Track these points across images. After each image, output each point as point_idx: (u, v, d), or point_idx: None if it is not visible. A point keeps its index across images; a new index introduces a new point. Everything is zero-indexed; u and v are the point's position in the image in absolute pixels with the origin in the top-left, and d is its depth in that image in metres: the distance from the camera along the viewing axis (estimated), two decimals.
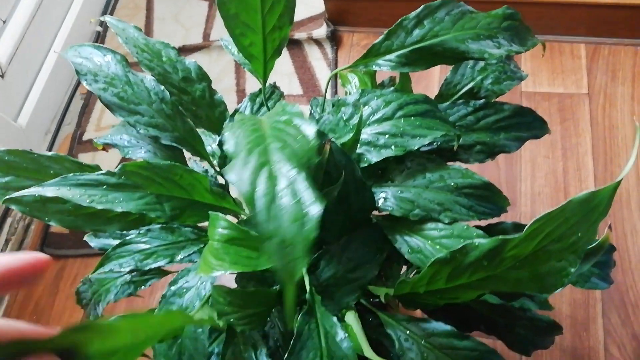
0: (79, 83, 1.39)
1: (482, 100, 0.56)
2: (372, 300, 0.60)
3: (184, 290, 0.56)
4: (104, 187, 0.44)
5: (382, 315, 0.52)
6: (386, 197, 0.52)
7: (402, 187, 0.52)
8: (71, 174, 0.43)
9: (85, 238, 0.64)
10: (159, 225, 0.59)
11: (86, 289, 0.66)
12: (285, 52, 1.29)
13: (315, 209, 0.37)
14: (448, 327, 0.49)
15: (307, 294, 0.47)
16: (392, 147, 0.50)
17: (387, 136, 0.51)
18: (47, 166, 0.44)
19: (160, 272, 0.67)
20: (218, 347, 0.60)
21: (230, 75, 1.30)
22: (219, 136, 0.64)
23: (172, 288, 0.56)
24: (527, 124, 0.59)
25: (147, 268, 0.58)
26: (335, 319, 0.45)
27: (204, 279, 0.55)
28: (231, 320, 0.50)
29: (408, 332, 0.50)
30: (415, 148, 0.50)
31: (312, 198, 0.37)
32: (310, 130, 0.43)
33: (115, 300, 0.65)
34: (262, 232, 0.37)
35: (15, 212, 1.20)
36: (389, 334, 0.50)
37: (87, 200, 0.43)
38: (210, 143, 0.68)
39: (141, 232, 0.58)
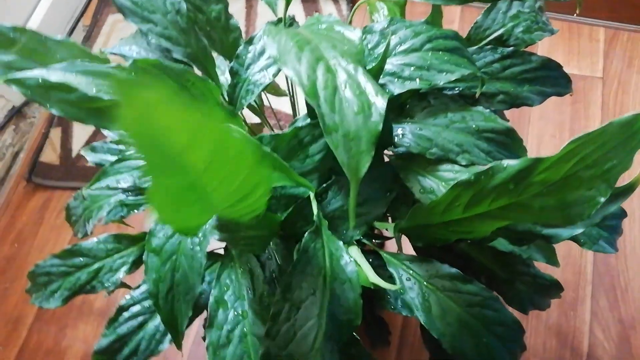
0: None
1: (511, 48, 0.54)
2: (375, 241, 0.58)
3: None
4: (113, 79, 0.41)
5: (384, 254, 0.50)
6: (404, 133, 0.50)
7: (421, 124, 0.50)
8: (79, 61, 0.41)
9: (82, 152, 0.62)
10: None
11: (77, 204, 0.64)
12: (299, 5, 1.26)
13: (380, 101, 0.36)
14: (453, 270, 0.48)
15: (314, 216, 0.45)
16: (417, 80, 0.48)
17: (412, 68, 0.49)
18: (55, 50, 0.42)
19: None
20: (210, 275, 0.59)
21: (240, 15, 1.27)
22: (230, 62, 0.62)
23: None
24: (553, 79, 0.57)
25: (145, 186, 0.56)
26: (341, 243, 0.43)
27: None
28: (236, 236, 0.48)
29: (411, 271, 0.49)
30: (441, 83, 0.48)
31: (375, 90, 0.36)
32: (354, 35, 0.41)
33: (106, 222, 0.63)
34: (325, 125, 0.36)
35: (5, 138, 1.16)
36: (391, 272, 0.49)
37: (94, 90, 0.40)
38: (221, 72, 0.65)
39: None
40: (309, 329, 0.37)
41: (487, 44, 0.57)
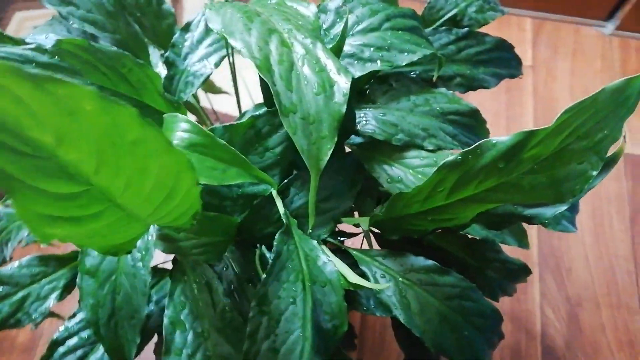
0: None
1: (466, 29, 0.53)
2: (340, 239, 0.54)
3: None
4: (32, 65, 0.34)
5: (354, 252, 0.46)
6: (367, 119, 0.47)
7: (384, 109, 0.47)
8: None
9: None
10: None
11: None
12: None
13: (343, 81, 0.31)
14: (429, 262, 0.45)
15: (282, 215, 0.40)
16: (378, 61, 0.45)
17: (372, 49, 0.45)
18: None
19: None
20: (157, 294, 0.52)
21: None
22: (165, 52, 0.55)
23: None
24: (506, 61, 0.56)
25: None
26: (315, 242, 0.39)
27: None
28: (184, 245, 0.42)
29: (384, 267, 0.46)
30: (403, 64, 0.45)
31: (337, 67, 0.31)
32: (309, 10, 0.37)
33: (27, 242, 0.54)
34: (282, 105, 0.31)
35: None
36: (363, 270, 0.45)
37: None
38: (155, 61, 0.58)
39: None
40: (292, 343, 0.33)
41: (440, 25, 0.55)
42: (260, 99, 0.47)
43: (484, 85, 0.54)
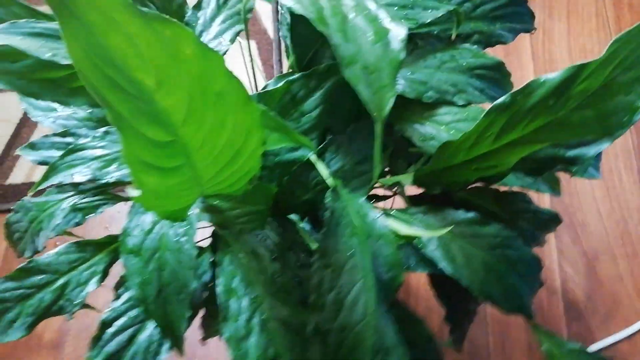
0: None
1: None
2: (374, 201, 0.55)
3: None
4: None
5: (394, 212, 0.47)
6: (396, 79, 0.47)
7: (412, 68, 0.47)
8: (23, 21, 0.33)
9: (19, 152, 0.52)
10: None
11: (20, 217, 0.54)
12: None
13: (398, 28, 0.32)
14: (470, 214, 0.46)
15: (326, 176, 0.41)
16: (403, 20, 0.45)
17: (396, 8, 0.45)
18: None
19: (113, 198, 0.57)
20: (198, 270, 0.52)
21: None
22: None
23: None
24: (520, 16, 0.56)
25: (107, 179, 0.48)
26: (362, 199, 0.39)
27: None
28: (230, 215, 0.42)
29: (425, 224, 0.46)
30: (428, 21, 0.45)
31: (389, 16, 0.32)
32: None
33: (57, 232, 0.54)
34: (341, 57, 0.31)
35: None
36: None
37: (48, 54, 0.33)
38: None
39: (97, 135, 0.48)
40: (357, 293, 0.33)
41: None
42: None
43: (501, 40, 0.55)
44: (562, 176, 1.00)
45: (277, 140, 0.40)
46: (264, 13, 1.12)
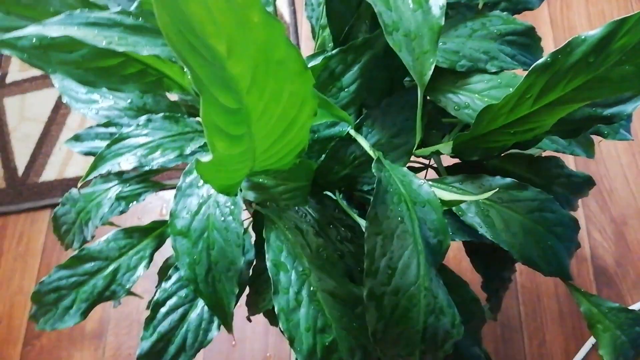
0: None
1: None
2: None
3: None
4: (121, 28, 0.35)
5: (431, 182, 0.48)
6: None
7: (444, 38, 0.48)
8: (78, 11, 0.34)
9: (66, 144, 0.54)
10: (161, 115, 0.50)
11: (67, 210, 0.56)
12: None
13: None
14: (507, 180, 0.47)
15: (368, 149, 0.42)
16: None
17: None
18: (46, 2, 0.35)
19: (154, 185, 0.59)
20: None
21: None
22: None
23: (188, 179, 0.48)
24: None
25: (153, 165, 0.49)
26: (405, 169, 0.40)
27: None
28: (275, 191, 0.44)
29: (462, 191, 0.47)
30: None
31: None
32: None
33: (103, 221, 0.56)
34: (385, 24, 0.32)
35: None
36: None
37: (104, 42, 0.34)
38: None
39: (140, 123, 0.50)
40: (408, 257, 0.34)
41: None
42: None
43: (528, 7, 0.55)
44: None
45: (320, 115, 0.41)
46: None
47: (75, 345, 0.89)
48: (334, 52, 0.42)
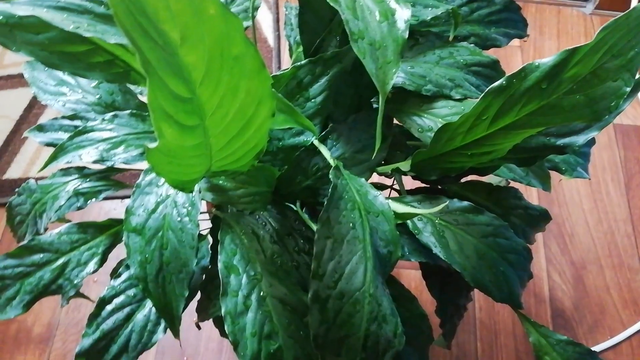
0: None
1: None
2: None
3: None
4: (91, 15, 0.36)
5: (390, 200, 0.49)
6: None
7: (412, 63, 0.49)
8: None
9: (27, 134, 0.53)
10: (128, 112, 0.50)
11: (23, 200, 0.55)
12: None
13: (402, 10, 0.34)
14: (464, 203, 0.48)
15: (328, 158, 0.42)
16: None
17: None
18: None
19: (116, 184, 0.58)
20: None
21: None
22: None
23: (148, 177, 0.48)
24: (514, 22, 0.59)
25: (115, 161, 0.49)
26: (363, 180, 0.41)
27: None
28: (234, 194, 0.44)
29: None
30: (429, 18, 0.48)
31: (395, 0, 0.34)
32: None
33: (59, 215, 0.55)
34: (351, 31, 0.33)
35: None
36: None
37: (71, 26, 0.34)
38: None
39: (106, 118, 0.49)
40: (356, 263, 0.34)
41: None
42: None
43: (496, 44, 0.57)
44: (552, 185, 1.02)
45: (282, 121, 0.41)
46: (265, 22, 1.15)
47: (20, 349, 0.86)
48: (303, 62, 0.43)
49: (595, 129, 0.40)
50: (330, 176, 0.38)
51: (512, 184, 0.58)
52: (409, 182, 0.54)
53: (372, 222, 0.37)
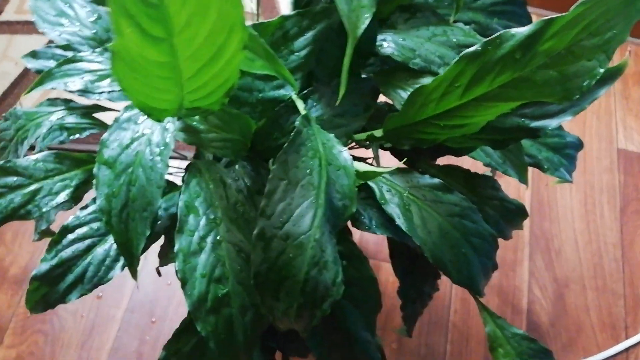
0: None
1: None
2: None
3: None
4: None
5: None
6: (387, 42, 0.49)
7: (404, 35, 0.49)
8: None
9: (22, 59, 0.54)
10: None
11: (8, 125, 0.56)
12: None
13: None
14: (435, 180, 0.48)
15: (302, 112, 0.42)
16: None
17: None
18: None
19: (101, 124, 0.58)
20: (166, 203, 0.53)
21: None
22: None
23: (128, 114, 0.48)
24: (518, 17, 0.59)
25: (98, 93, 0.50)
26: (332, 135, 0.41)
27: None
28: (206, 137, 0.44)
29: (390, 183, 0.48)
30: None
31: None
32: None
33: (41, 148, 0.55)
34: None
35: None
36: (371, 186, 0.47)
37: None
38: None
39: (96, 51, 0.50)
40: (306, 207, 0.34)
41: None
42: None
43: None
44: (544, 200, 1.01)
45: (261, 66, 0.41)
46: None
47: None
48: (291, 13, 0.43)
49: (569, 113, 0.39)
50: (297, 123, 0.38)
51: (495, 177, 0.57)
52: (388, 160, 0.54)
53: (332, 175, 0.37)
